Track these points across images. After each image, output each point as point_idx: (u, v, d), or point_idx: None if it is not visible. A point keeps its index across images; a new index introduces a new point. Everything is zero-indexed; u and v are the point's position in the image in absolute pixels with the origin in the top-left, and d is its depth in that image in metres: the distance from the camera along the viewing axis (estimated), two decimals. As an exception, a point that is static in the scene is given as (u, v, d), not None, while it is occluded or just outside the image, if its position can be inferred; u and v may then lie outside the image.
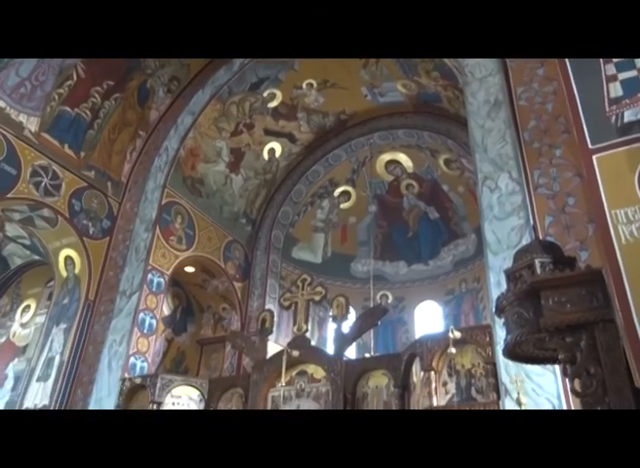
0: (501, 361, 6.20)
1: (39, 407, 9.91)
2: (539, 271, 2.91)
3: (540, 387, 5.92)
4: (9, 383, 11.07)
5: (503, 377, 6.14)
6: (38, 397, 10.07)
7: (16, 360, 11.35)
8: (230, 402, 8.65)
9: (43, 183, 9.93)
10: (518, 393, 5.75)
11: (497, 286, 6.33)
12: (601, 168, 2.87)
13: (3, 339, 11.92)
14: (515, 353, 3.25)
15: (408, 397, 7.14)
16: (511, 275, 3.15)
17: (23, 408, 10.11)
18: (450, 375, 6.53)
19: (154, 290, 10.34)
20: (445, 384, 6.53)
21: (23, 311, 12.05)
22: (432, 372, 6.61)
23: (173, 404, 8.64)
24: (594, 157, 2.89)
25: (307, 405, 7.84)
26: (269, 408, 8.14)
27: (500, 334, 5.95)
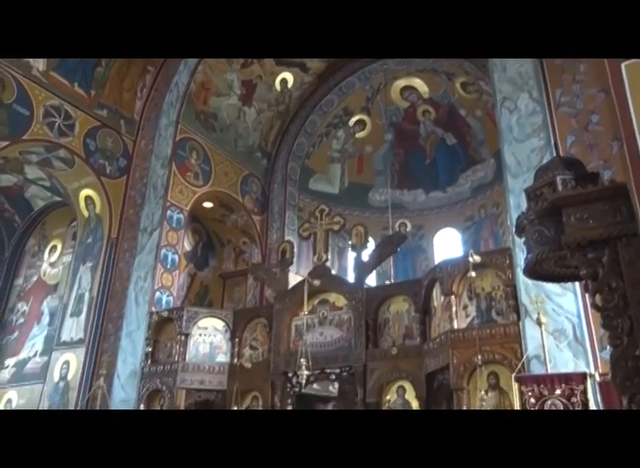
0: (522, 283, 6.25)
1: (75, 340, 10.35)
2: (560, 188, 2.86)
3: (560, 307, 5.99)
4: (45, 319, 11.51)
5: (523, 299, 6.21)
6: (73, 331, 10.50)
7: (49, 297, 11.75)
8: (255, 331, 8.92)
9: (57, 124, 9.90)
10: (538, 313, 5.83)
11: (517, 209, 6.29)
12: (630, 76, 2.74)
13: (35, 278, 12.30)
14: (536, 272, 3.26)
15: (429, 321, 7.29)
16: (532, 194, 3.11)
17: (61, 341, 10.58)
18: (470, 299, 6.62)
19: (174, 226, 10.47)
20: (465, 307, 6.63)
21: (51, 251, 12.34)
22: (452, 297, 6.70)
23: (200, 335, 8.94)
24: (622, 65, 2.75)
25: (330, 332, 8.05)
26: (293, 336, 8.39)
27: (520, 257, 5.98)
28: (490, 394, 6.02)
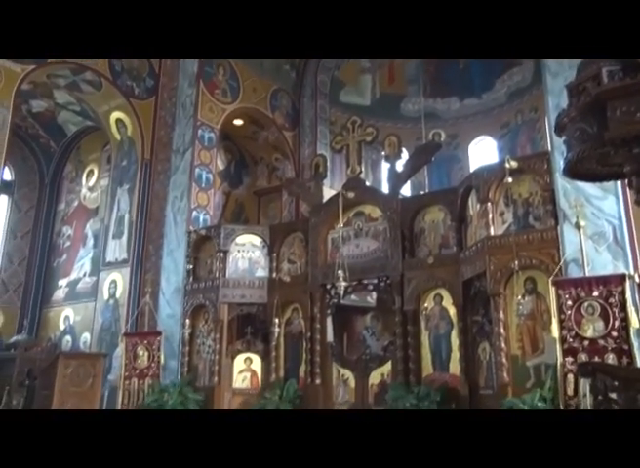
0: (560, 187, 6.12)
1: (119, 260, 10.76)
2: (605, 80, 2.71)
3: (600, 210, 5.87)
4: (90, 241, 11.94)
5: (562, 203, 6.10)
6: (117, 252, 10.90)
7: (91, 221, 12.11)
8: (292, 246, 9.07)
9: (81, 45, 9.75)
10: (577, 217, 5.73)
11: (556, 110, 6.00)
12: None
13: (75, 203, 12.64)
14: (576, 171, 3.17)
15: (465, 229, 7.26)
16: (574, 89, 2.96)
17: (106, 262, 11.03)
18: (507, 205, 6.53)
19: (206, 144, 10.47)
20: (502, 214, 6.56)
21: (88, 176, 12.57)
22: (489, 204, 6.61)
23: (238, 251, 9.15)
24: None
25: (366, 243, 8.13)
26: (329, 249, 8.50)
27: (559, 160, 5.80)
28: (526, 299, 6.08)
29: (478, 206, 6.84)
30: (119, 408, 8.90)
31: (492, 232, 6.47)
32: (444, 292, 7.27)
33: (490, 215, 6.56)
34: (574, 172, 3.12)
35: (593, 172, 3.14)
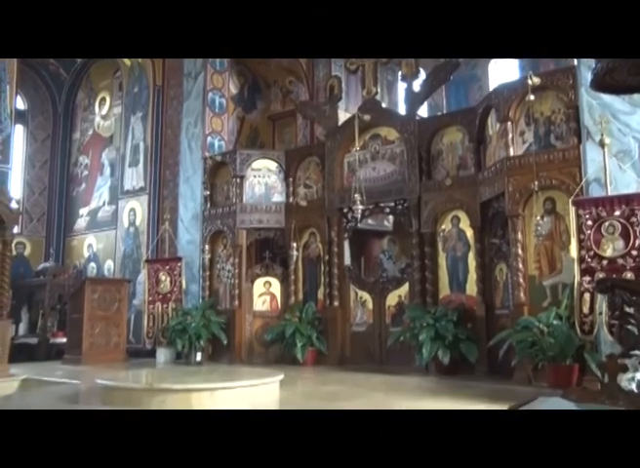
0: (585, 103, 5.89)
1: (137, 188, 10.82)
2: (639, -18, 2.52)
3: (627, 126, 5.66)
4: (107, 170, 11.97)
5: (586, 120, 5.89)
6: (134, 180, 10.95)
7: (106, 149, 12.08)
8: (308, 170, 9.01)
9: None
10: (602, 134, 5.55)
11: (584, 20, 5.69)
12: None
13: (90, 132, 12.57)
14: (605, 83, 3.02)
15: (483, 150, 7.11)
16: (605, -7, 2.76)
17: (124, 190, 11.11)
18: (527, 124, 6.34)
19: (218, 68, 10.22)
20: (522, 134, 6.38)
21: (100, 104, 12.41)
22: (509, 123, 6.42)
23: (254, 176, 9.12)
24: None
25: (383, 166, 8.03)
26: (346, 172, 8.43)
27: (586, 75, 5.55)
28: (545, 219, 6.02)
29: (498, 125, 6.65)
30: (145, 330, 9.25)
31: (511, 152, 6.33)
32: (461, 214, 7.24)
33: (510, 135, 6.39)
34: (602, 84, 2.98)
35: (623, 83, 2.99)
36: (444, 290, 7.32)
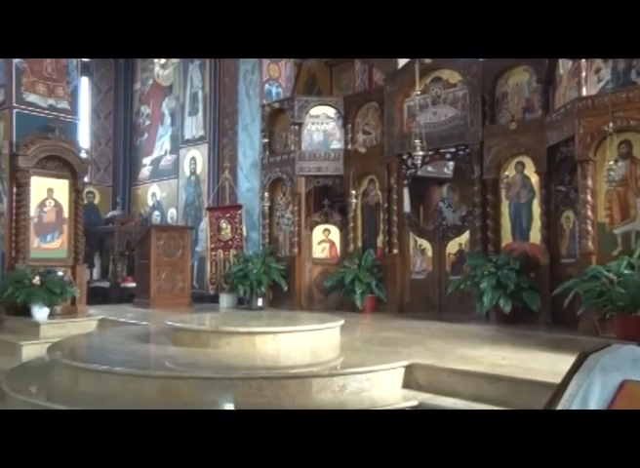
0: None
1: (197, 137, 10.98)
2: None
3: None
4: (167, 120, 12.17)
5: (669, 56, 5.45)
6: (194, 129, 11.10)
7: (166, 99, 12.24)
8: (366, 116, 8.84)
9: None
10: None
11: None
12: None
13: (150, 82, 12.73)
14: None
15: (552, 91, 6.74)
16: None
17: (185, 139, 11.29)
18: (604, 61, 5.92)
19: (275, 12, 10.02)
20: (598, 71, 5.96)
21: (159, 53, 12.49)
22: (583, 60, 6.02)
23: (312, 123, 9.05)
24: None
25: (444, 111, 7.78)
26: (405, 118, 8.23)
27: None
28: (620, 163, 5.69)
29: (569, 64, 6.26)
30: (208, 276, 9.58)
31: (584, 92, 5.96)
32: (526, 160, 6.96)
33: (583, 73, 5.99)
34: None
35: None
36: (506, 238, 7.15)
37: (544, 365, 3.93)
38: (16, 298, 7.40)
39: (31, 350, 6.55)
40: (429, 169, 9.01)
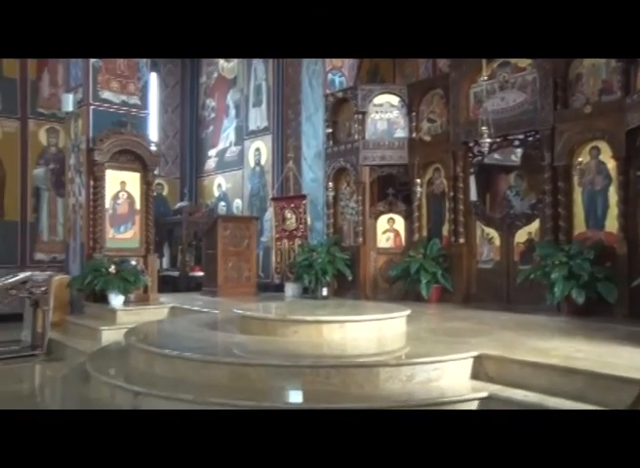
0: None
1: (261, 128, 11.14)
2: None
3: None
4: (232, 112, 12.42)
5: None
6: (258, 120, 11.26)
7: (231, 91, 12.48)
8: (431, 104, 8.69)
9: None
10: None
11: None
12: None
13: (215, 75, 13.02)
14: None
15: (634, 70, 6.37)
16: None
17: (249, 131, 11.47)
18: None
19: (337, 1, 9.98)
20: (681, 49, 5.61)
21: (223, 46, 12.73)
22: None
23: (376, 112, 8.97)
24: None
25: (512, 96, 7.53)
26: (472, 104, 8.02)
27: None
28: None
29: (652, 42, 5.90)
30: (273, 265, 9.74)
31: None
32: (602, 145, 6.64)
33: (666, 52, 5.64)
34: None
35: None
36: (579, 226, 6.87)
37: (623, 359, 3.77)
38: (94, 286, 7.80)
39: (109, 335, 6.91)
40: (496, 156, 8.77)
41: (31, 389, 6.36)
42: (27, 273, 8.05)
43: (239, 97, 12.08)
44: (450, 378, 3.87)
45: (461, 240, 7.99)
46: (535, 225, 7.38)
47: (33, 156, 11.37)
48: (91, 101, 8.66)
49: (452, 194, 8.12)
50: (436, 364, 3.86)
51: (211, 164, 13.00)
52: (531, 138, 7.38)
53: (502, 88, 7.66)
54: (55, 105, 11.01)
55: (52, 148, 11.57)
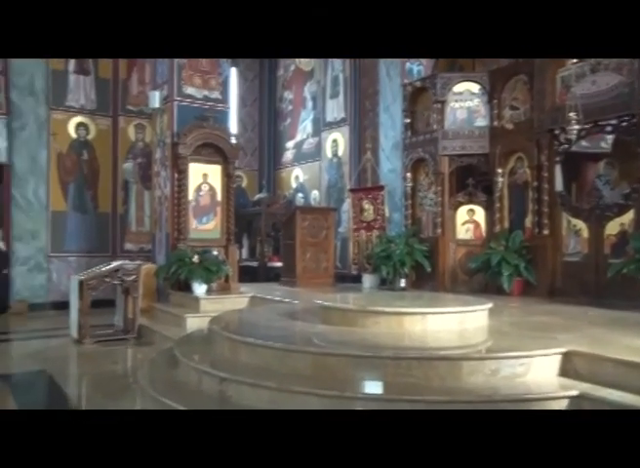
0: None
1: (338, 119, 11.16)
2: None
3: None
4: (309, 104, 12.54)
5: None
6: (335, 112, 11.30)
7: (308, 83, 12.59)
8: (514, 90, 8.38)
9: None
10: None
11: None
12: None
13: (292, 68, 13.18)
14: None
15: None
16: None
17: (326, 122, 11.53)
18: None
19: (416, -12, 9.80)
20: None
21: (300, 39, 12.84)
22: None
23: (455, 101, 8.77)
24: None
25: (606, 79, 7.11)
26: (559, 89, 7.67)
27: None
28: None
29: None
30: (350, 256, 9.78)
31: None
32: None
33: None
34: None
35: None
36: (679, 217, 6.44)
37: None
38: (179, 275, 8.15)
39: (193, 322, 7.21)
40: (584, 144, 8.32)
41: (124, 370, 6.76)
42: (119, 262, 8.51)
43: (316, 88, 12.16)
44: (537, 374, 3.75)
45: (546, 231, 7.68)
46: (628, 216, 6.97)
47: (123, 151, 11.97)
48: (175, 97, 9.00)
49: (535, 184, 7.82)
50: (523, 359, 3.75)
51: (288, 156, 13.19)
52: (625, 123, 6.96)
53: (594, 70, 7.26)
54: (142, 102, 11.53)
55: (139, 143, 12.14)
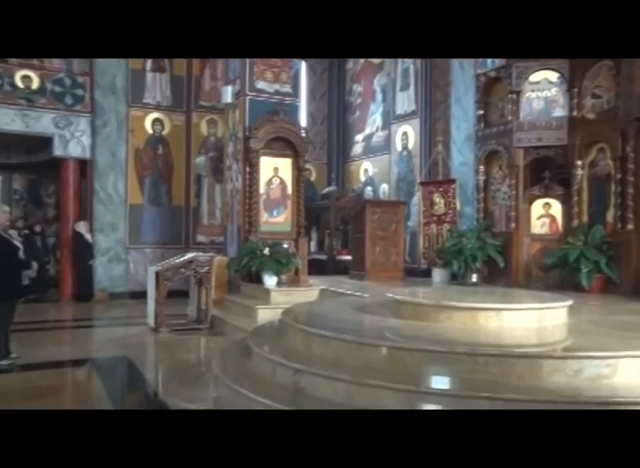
0: None
1: (408, 112, 11.01)
2: None
3: None
4: (378, 96, 12.45)
5: None
6: (405, 104, 11.17)
7: (377, 76, 12.49)
8: (597, 77, 7.97)
9: None
10: None
11: None
12: None
13: (362, 61, 13.15)
14: None
15: None
16: None
17: (396, 115, 11.38)
18: None
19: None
20: None
21: (370, 31, 12.75)
22: None
23: (532, 91, 8.45)
24: None
25: (698, 64, 6.66)
26: (646, 76, 7.23)
27: None
28: None
29: None
30: (421, 250, 9.65)
31: None
32: None
33: None
34: None
35: None
36: None
37: None
38: (251, 267, 8.31)
39: (264, 313, 7.34)
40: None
41: (198, 359, 6.99)
42: (193, 254, 8.79)
43: (386, 81, 12.04)
44: (624, 377, 3.56)
45: (630, 226, 7.29)
46: None
47: (195, 146, 12.33)
48: (247, 92, 9.15)
49: (619, 176, 7.42)
50: (609, 360, 3.57)
51: (357, 149, 13.15)
52: None
53: (685, 55, 6.79)
54: (214, 98, 11.81)
55: (211, 138, 12.45)
